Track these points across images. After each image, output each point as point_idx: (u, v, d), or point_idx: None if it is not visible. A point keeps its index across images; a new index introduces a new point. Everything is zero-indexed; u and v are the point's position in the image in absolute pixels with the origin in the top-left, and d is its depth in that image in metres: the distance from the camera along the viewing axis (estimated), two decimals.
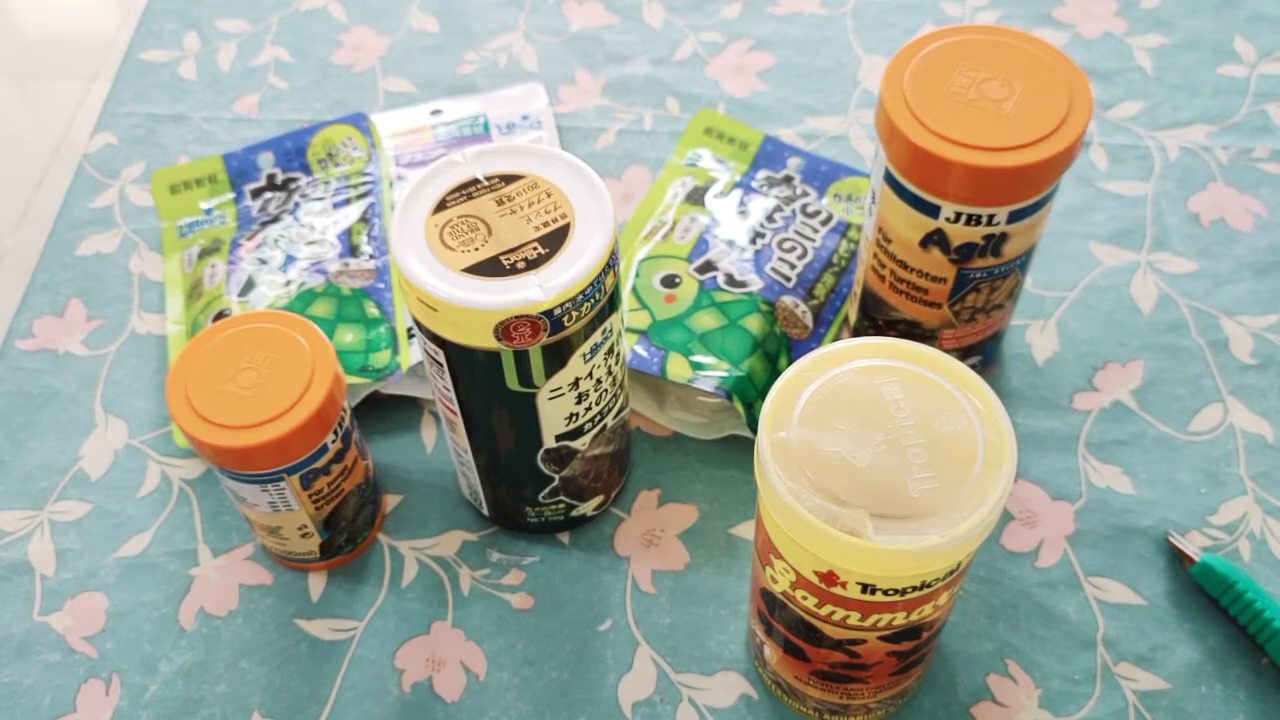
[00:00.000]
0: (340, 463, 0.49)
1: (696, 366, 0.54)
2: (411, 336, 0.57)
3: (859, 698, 0.45)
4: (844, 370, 0.38)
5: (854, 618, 0.39)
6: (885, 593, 0.38)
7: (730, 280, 0.58)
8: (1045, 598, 0.51)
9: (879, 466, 0.36)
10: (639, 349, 0.55)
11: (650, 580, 0.52)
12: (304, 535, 0.50)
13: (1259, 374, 0.57)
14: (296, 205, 0.62)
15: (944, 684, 0.49)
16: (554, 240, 0.41)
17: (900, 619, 0.39)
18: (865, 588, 0.37)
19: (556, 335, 0.41)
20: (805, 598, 0.40)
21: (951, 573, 0.38)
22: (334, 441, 0.47)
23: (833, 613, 0.39)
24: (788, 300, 0.58)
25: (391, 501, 0.55)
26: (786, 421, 0.37)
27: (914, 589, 0.38)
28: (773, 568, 0.40)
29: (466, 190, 0.43)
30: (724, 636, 0.51)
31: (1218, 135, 0.66)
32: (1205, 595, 0.51)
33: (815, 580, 0.38)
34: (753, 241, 0.60)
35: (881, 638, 0.41)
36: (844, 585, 0.38)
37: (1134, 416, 0.56)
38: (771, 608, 0.43)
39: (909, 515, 0.35)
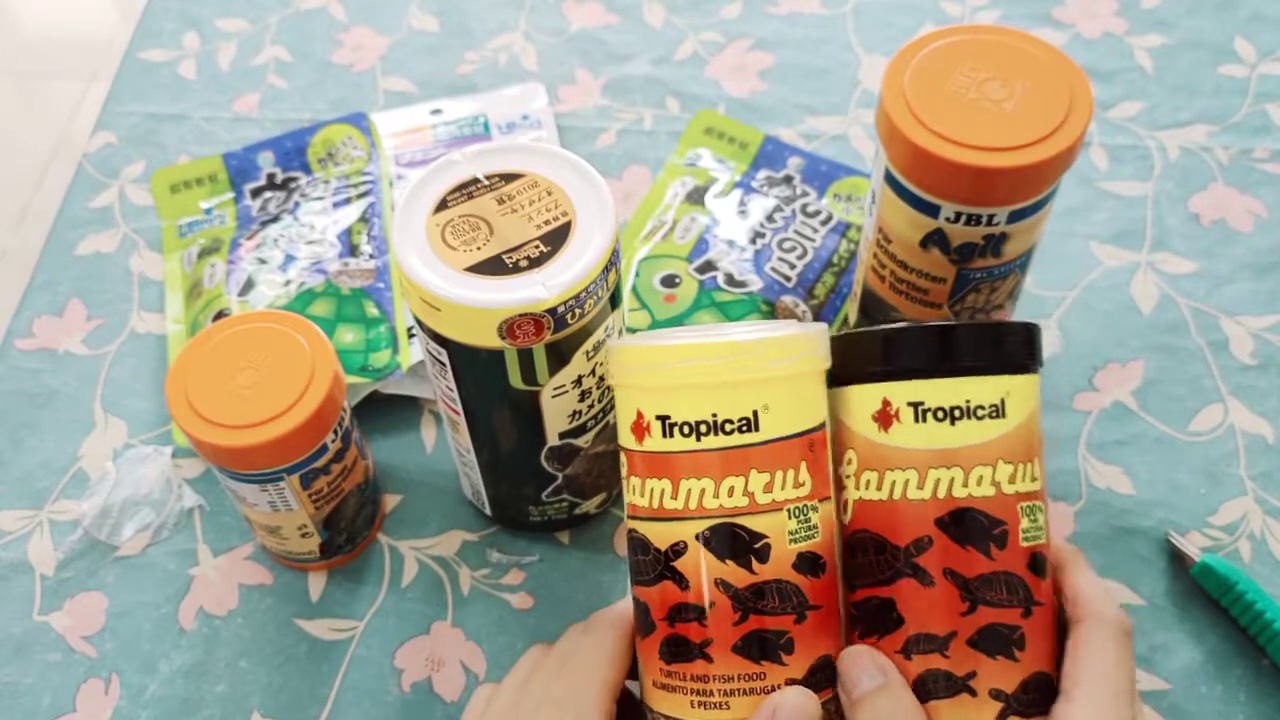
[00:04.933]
0: (340, 462, 0.49)
1: None
2: (411, 336, 0.57)
3: (714, 699, 0.39)
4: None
5: (665, 492, 0.38)
6: (684, 431, 0.38)
7: (730, 280, 0.58)
8: None
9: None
10: None
11: None
12: (304, 535, 0.50)
13: (1259, 374, 0.57)
14: (296, 205, 0.62)
15: None
16: (556, 238, 0.41)
17: (711, 498, 0.38)
18: (664, 425, 0.38)
19: (560, 333, 0.41)
20: (634, 489, 0.39)
21: (746, 421, 0.37)
22: (334, 441, 0.47)
23: (652, 491, 0.38)
24: (788, 300, 0.58)
25: (391, 501, 0.55)
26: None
27: (708, 427, 0.37)
28: (627, 488, 0.40)
29: (467, 189, 0.42)
30: None
31: (1218, 135, 0.66)
32: (1205, 596, 0.51)
33: (631, 440, 0.39)
34: (753, 241, 0.60)
35: (701, 540, 0.38)
36: (648, 428, 0.38)
37: (1134, 417, 0.56)
38: (635, 566, 0.40)
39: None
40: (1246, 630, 0.49)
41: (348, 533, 0.52)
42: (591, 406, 0.46)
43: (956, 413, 0.38)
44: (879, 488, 0.39)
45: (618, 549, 0.53)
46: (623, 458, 0.40)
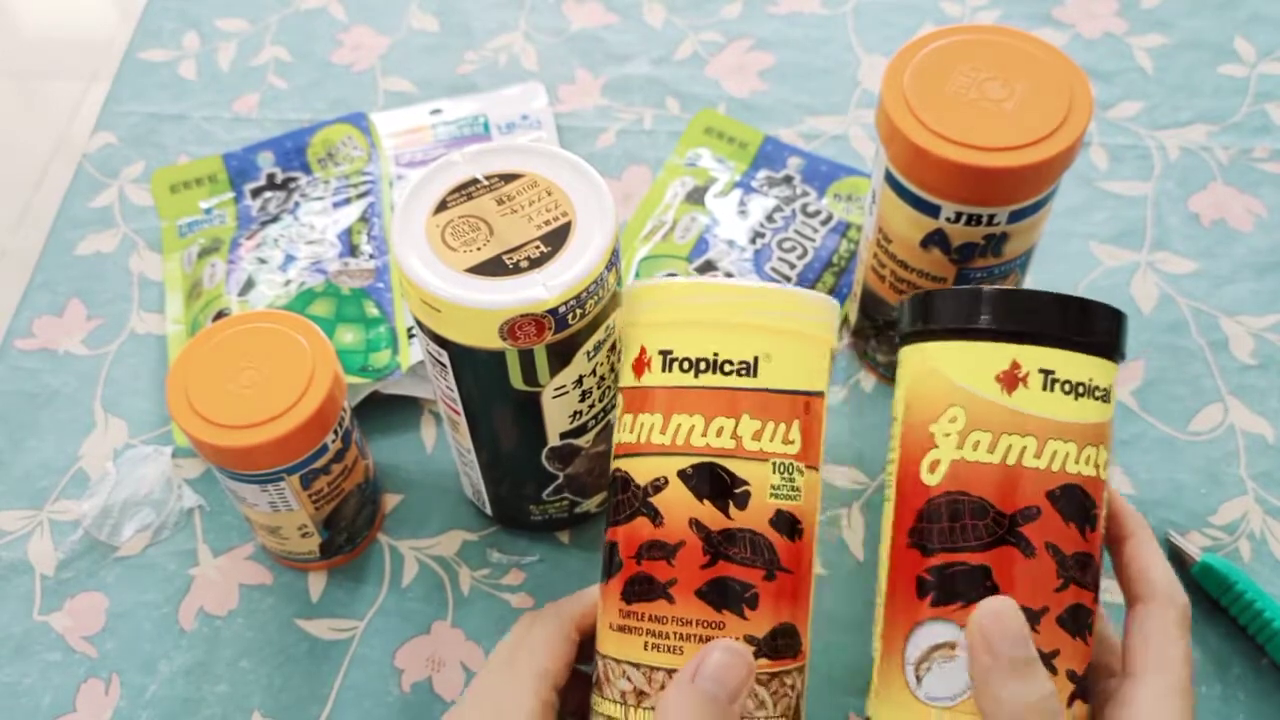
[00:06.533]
0: (340, 462, 0.49)
1: None
2: (411, 336, 0.57)
3: (668, 642, 0.38)
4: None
5: (655, 426, 0.38)
6: (683, 367, 0.38)
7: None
8: None
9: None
10: None
11: None
12: (304, 535, 0.50)
13: (1259, 374, 0.57)
14: (296, 205, 0.62)
15: None
16: (556, 238, 0.41)
17: (699, 436, 0.38)
18: (665, 359, 0.39)
19: (561, 333, 0.41)
20: (624, 426, 0.40)
21: (745, 365, 0.38)
22: (334, 441, 0.47)
23: (642, 425, 0.39)
24: None
25: (391, 501, 0.55)
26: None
27: (707, 365, 0.38)
28: (619, 428, 0.41)
29: (466, 190, 0.43)
30: None
31: (1218, 135, 0.66)
32: (1205, 595, 0.51)
33: (630, 377, 0.40)
34: (752, 241, 0.60)
35: (682, 477, 0.38)
36: (649, 364, 0.39)
37: (1134, 416, 0.56)
38: (612, 509, 0.40)
39: None
40: (1246, 630, 0.49)
41: (348, 533, 0.52)
42: (592, 406, 0.46)
43: (1080, 389, 0.38)
44: (990, 450, 0.38)
45: None
46: (619, 400, 0.41)
